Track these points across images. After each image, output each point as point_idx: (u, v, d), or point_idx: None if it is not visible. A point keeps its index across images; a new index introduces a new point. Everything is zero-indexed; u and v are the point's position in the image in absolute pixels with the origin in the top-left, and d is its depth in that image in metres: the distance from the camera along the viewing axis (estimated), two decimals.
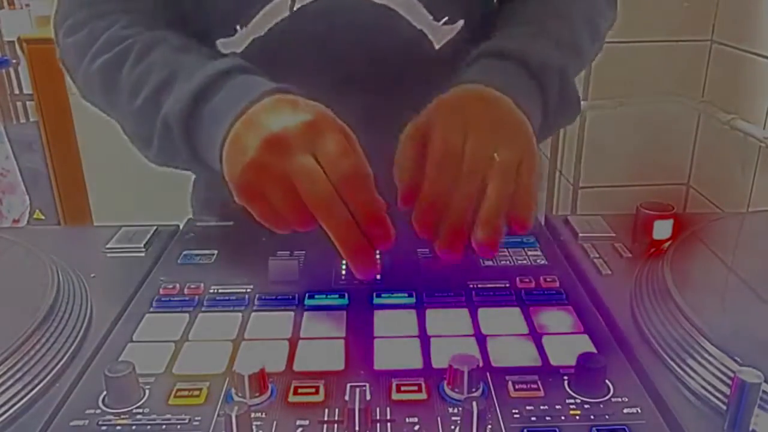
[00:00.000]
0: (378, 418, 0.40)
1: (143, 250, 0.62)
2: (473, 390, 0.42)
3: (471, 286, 0.55)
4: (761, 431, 0.39)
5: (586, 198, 1.79)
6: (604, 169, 1.76)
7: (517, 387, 0.43)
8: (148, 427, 0.40)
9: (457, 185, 0.48)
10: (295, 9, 0.63)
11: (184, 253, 0.61)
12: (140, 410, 0.41)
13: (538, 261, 0.60)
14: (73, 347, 0.47)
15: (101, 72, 0.62)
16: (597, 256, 0.60)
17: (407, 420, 0.40)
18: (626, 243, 0.62)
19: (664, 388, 0.43)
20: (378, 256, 0.49)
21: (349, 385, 0.43)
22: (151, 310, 0.53)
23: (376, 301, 0.53)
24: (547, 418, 0.40)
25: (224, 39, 0.66)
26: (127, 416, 0.41)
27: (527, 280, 0.56)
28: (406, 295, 0.54)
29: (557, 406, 0.41)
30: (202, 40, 0.66)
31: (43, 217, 2.50)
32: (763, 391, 0.38)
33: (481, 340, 0.48)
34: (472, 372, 0.41)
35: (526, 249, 0.62)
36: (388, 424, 0.40)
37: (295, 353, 0.47)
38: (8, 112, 3.14)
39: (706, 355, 0.44)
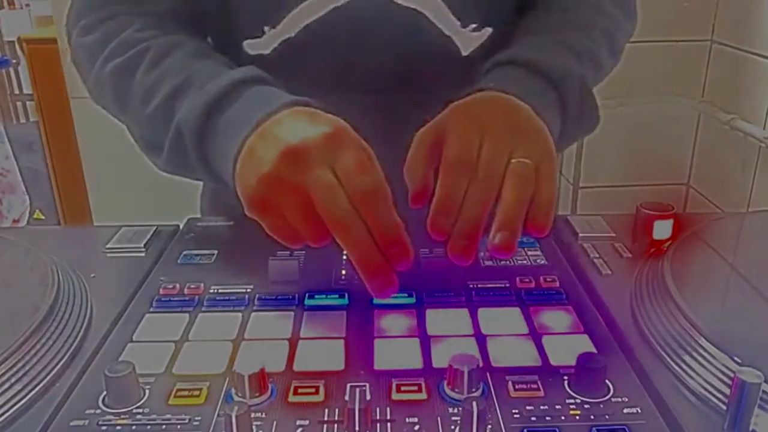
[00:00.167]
0: (378, 418, 0.40)
1: (143, 250, 0.62)
2: (473, 390, 0.42)
3: (471, 286, 0.55)
4: (761, 431, 0.39)
5: (586, 198, 1.79)
6: (604, 169, 1.76)
7: (517, 387, 0.43)
8: (148, 427, 0.40)
9: (471, 190, 0.47)
10: (325, 11, 0.63)
11: (184, 253, 0.61)
12: (140, 410, 0.41)
13: (538, 261, 0.60)
14: (73, 347, 0.47)
15: (113, 76, 0.61)
16: (597, 256, 0.60)
17: (407, 420, 0.40)
18: (626, 243, 0.62)
19: (664, 388, 0.43)
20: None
21: (349, 385, 0.43)
22: (151, 310, 0.53)
23: (376, 301, 0.53)
24: (547, 418, 0.40)
25: (251, 40, 0.65)
26: (127, 416, 0.41)
27: (527, 280, 0.56)
28: (406, 295, 0.54)
29: (557, 406, 0.41)
30: (225, 41, 0.66)
31: (43, 217, 2.50)
32: (763, 391, 0.38)
33: (481, 340, 0.48)
34: (472, 372, 0.41)
35: (526, 249, 0.62)
36: (388, 424, 0.40)
37: (295, 353, 0.47)
38: (8, 112, 3.15)
39: (706, 355, 0.44)
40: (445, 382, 0.42)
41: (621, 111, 1.66)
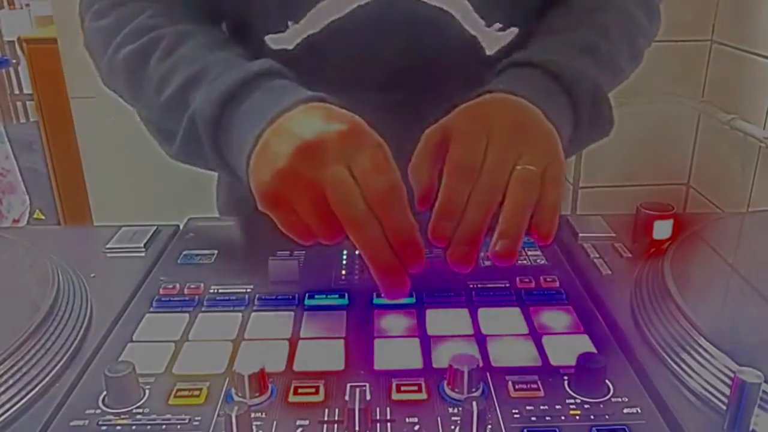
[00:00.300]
0: (378, 418, 0.40)
1: (143, 250, 0.62)
2: (473, 390, 0.42)
3: (471, 286, 0.55)
4: (761, 431, 0.39)
5: (586, 198, 1.79)
6: (604, 169, 1.76)
7: (517, 387, 0.43)
8: (148, 427, 0.40)
9: (474, 195, 0.46)
10: (350, 9, 0.62)
11: (184, 253, 0.61)
12: (140, 410, 0.41)
13: (538, 261, 0.60)
14: (73, 347, 0.47)
15: (126, 62, 0.60)
16: (597, 256, 0.60)
17: (407, 420, 0.40)
18: (626, 243, 0.62)
19: (664, 388, 0.43)
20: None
21: (349, 385, 0.43)
22: (151, 310, 0.53)
23: (376, 301, 0.53)
24: (547, 418, 0.40)
25: (274, 35, 0.65)
26: (127, 416, 0.41)
27: (527, 280, 0.56)
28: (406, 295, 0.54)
29: (557, 406, 0.41)
30: (247, 34, 0.65)
31: (43, 217, 2.50)
32: (763, 391, 0.38)
33: (481, 340, 0.48)
34: (472, 372, 0.41)
35: (526, 249, 0.62)
36: (388, 424, 0.40)
37: (295, 353, 0.47)
38: (8, 112, 3.15)
39: (706, 355, 0.44)
40: (445, 382, 0.42)
41: (621, 111, 1.65)
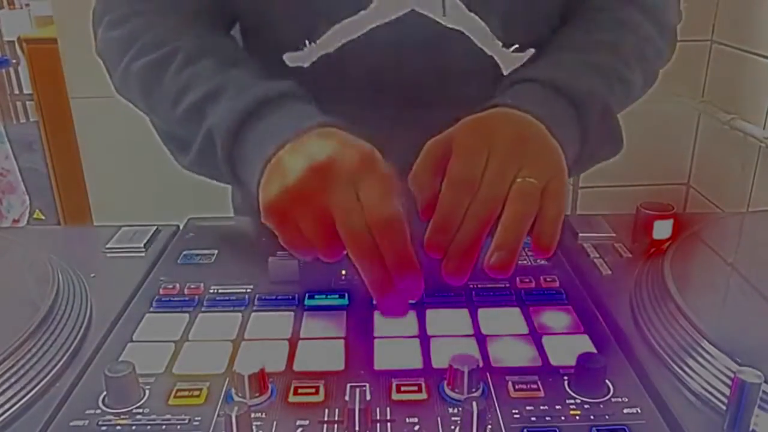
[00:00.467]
0: (378, 418, 0.40)
1: (143, 250, 0.62)
2: (473, 390, 0.42)
3: (471, 286, 0.55)
4: (761, 431, 0.39)
5: (586, 198, 1.78)
6: (604, 169, 1.76)
7: (517, 387, 0.43)
8: (148, 427, 0.40)
9: (472, 208, 0.46)
10: (367, 29, 0.62)
11: (184, 253, 0.61)
12: (140, 410, 0.41)
13: (538, 261, 0.60)
14: (73, 347, 0.47)
15: (142, 73, 0.61)
16: (597, 256, 0.60)
17: (407, 420, 0.40)
18: (626, 243, 0.62)
19: (664, 388, 0.43)
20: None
21: (349, 385, 0.43)
22: (151, 310, 0.53)
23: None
24: (547, 418, 0.40)
25: (291, 53, 0.65)
26: (127, 416, 0.41)
27: (527, 280, 0.56)
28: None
29: (557, 406, 0.41)
30: (264, 51, 0.65)
31: (43, 217, 2.50)
32: (763, 391, 0.38)
33: (481, 340, 0.48)
34: (472, 372, 0.41)
35: (526, 249, 0.61)
36: (388, 424, 0.40)
37: (295, 353, 0.47)
38: (8, 112, 3.15)
39: (706, 355, 0.44)
40: (445, 382, 0.42)
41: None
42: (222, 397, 0.42)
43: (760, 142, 1.46)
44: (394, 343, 0.48)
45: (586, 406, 0.41)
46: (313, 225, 0.47)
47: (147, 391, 0.43)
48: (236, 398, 0.42)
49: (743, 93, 1.55)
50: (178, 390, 0.43)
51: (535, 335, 0.49)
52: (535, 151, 0.49)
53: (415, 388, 0.43)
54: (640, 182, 1.75)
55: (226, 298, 0.54)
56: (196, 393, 0.43)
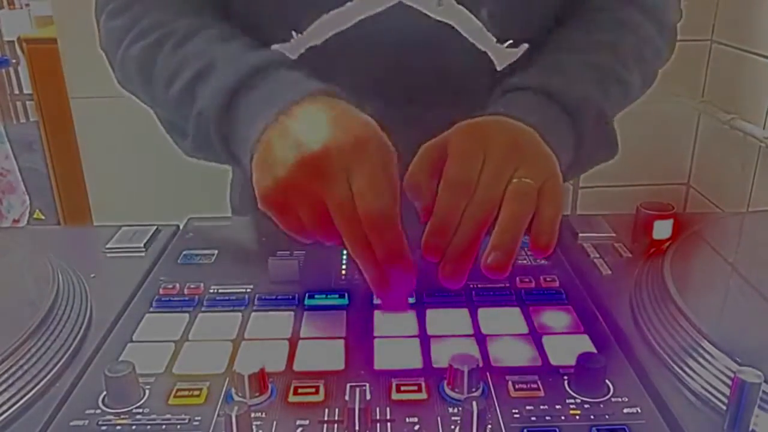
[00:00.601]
0: (378, 418, 0.40)
1: (143, 250, 0.62)
2: (473, 390, 0.42)
3: (471, 286, 0.55)
4: (761, 431, 0.39)
5: (586, 198, 1.79)
6: (604, 169, 1.76)
7: (517, 387, 0.43)
8: (148, 427, 0.40)
9: (468, 210, 0.46)
10: (354, 21, 0.62)
11: (184, 253, 0.61)
12: (140, 410, 0.41)
13: (538, 261, 0.60)
14: (73, 347, 0.47)
15: (138, 59, 0.61)
16: (597, 256, 0.60)
17: (407, 420, 0.40)
18: (626, 243, 0.62)
19: (664, 388, 0.43)
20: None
21: (349, 385, 0.43)
22: (151, 310, 0.53)
23: (376, 301, 0.53)
24: (547, 418, 0.40)
25: (278, 45, 0.64)
26: (127, 416, 0.41)
27: (527, 280, 0.56)
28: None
29: (557, 406, 0.41)
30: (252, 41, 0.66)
31: (43, 217, 2.50)
32: (763, 391, 0.38)
33: (481, 340, 0.48)
34: (472, 372, 0.41)
35: (526, 249, 0.62)
36: (388, 424, 0.40)
37: (295, 353, 0.47)
38: (8, 112, 3.15)
39: (705, 355, 0.44)
40: (445, 382, 0.42)
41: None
42: (222, 397, 0.42)
43: (760, 142, 1.46)
44: (394, 343, 0.48)
45: (586, 406, 0.41)
46: (310, 214, 0.47)
47: (147, 391, 0.43)
48: (236, 398, 0.42)
49: (743, 93, 1.55)
50: (178, 390, 0.43)
51: (535, 335, 0.49)
52: (531, 156, 0.49)
53: (415, 387, 0.43)
54: (640, 182, 1.75)
55: (226, 298, 0.54)
56: (196, 393, 0.43)
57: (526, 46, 0.65)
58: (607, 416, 0.41)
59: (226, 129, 0.54)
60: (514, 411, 0.41)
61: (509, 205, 0.46)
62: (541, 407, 0.41)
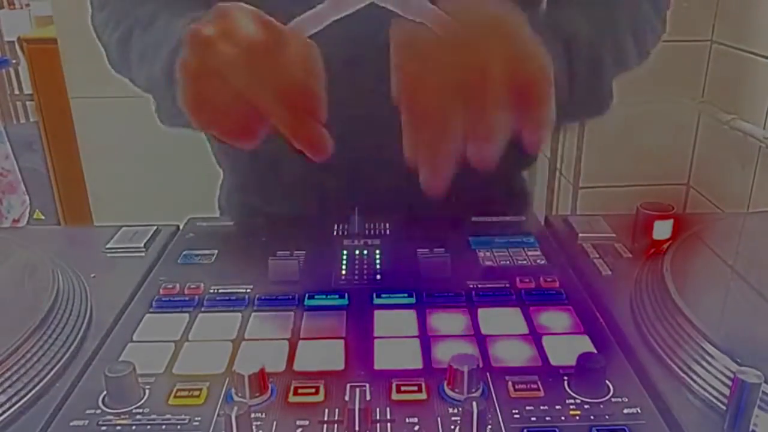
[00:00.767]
0: (378, 418, 0.40)
1: (143, 250, 0.62)
2: (473, 390, 0.42)
3: (471, 286, 0.55)
4: (761, 431, 0.39)
5: (586, 198, 1.79)
6: (604, 169, 1.76)
7: (517, 387, 0.43)
8: (148, 427, 0.40)
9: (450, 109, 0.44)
10: (326, 24, 0.62)
11: (184, 253, 0.61)
12: (140, 410, 0.41)
13: (538, 261, 0.60)
14: (73, 347, 0.47)
15: (116, 48, 0.64)
16: (597, 256, 0.60)
17: (407, 420, 0.40)
18: (626, 243, 0.62)
19: (664, 388, 0.43)
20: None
21: (349, 385, 0.43)
22: (151, 310, 0.53)
23: (376, 301, 0.53)
24: (547, 419, 0.40)
25: None
26: (127, 416, 0.41)
27: (527, 280, 0.56)
28: (406, 295, 0.54)
29: (557, 407, 0.41)
30: None
31: (43, 217, 2.50)
32: (763, 392, 0.38)
33: (481, 340, 0.48)
34: (472, 372, 0.41)
35: (526, 249, 0.62)
36: (388, 424, 0.40)
37: (295, 353, 0.47)
38: (8, 112, 3.15)
39: (706, 356, 0.44)
40: (445, 382, 0.42)
41: (621, 111, 1.66)
42: (222, 397, 0.42)
43: (760, 142, 1.46)
44: (394, 343, 0.48)
45: (586, 406, 0.41)
46: (218, 94, 0.45)
47: (147, 391, 0.43)
48: (236, 398, 0.42)
49: (743, 93, 1.56)
50: (178, 390, 0.43)
51: (535, 335, 0.49)
52: (515, 41, 0.47)
53: (415, 388, 0.43)
54: (640, 182, 1.75)
55: (226, 298, 0.54)
56: (196, 393, 0.43)
57: None
58: (607, 416, 0.41)
59: (173, 88, 0.54)
60: (514, 411, 0.41)
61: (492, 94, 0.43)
62: (541, 407, 0.41)
